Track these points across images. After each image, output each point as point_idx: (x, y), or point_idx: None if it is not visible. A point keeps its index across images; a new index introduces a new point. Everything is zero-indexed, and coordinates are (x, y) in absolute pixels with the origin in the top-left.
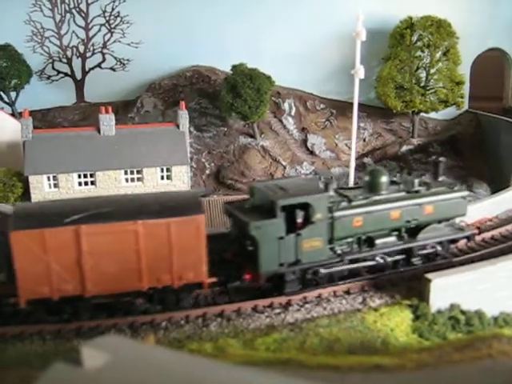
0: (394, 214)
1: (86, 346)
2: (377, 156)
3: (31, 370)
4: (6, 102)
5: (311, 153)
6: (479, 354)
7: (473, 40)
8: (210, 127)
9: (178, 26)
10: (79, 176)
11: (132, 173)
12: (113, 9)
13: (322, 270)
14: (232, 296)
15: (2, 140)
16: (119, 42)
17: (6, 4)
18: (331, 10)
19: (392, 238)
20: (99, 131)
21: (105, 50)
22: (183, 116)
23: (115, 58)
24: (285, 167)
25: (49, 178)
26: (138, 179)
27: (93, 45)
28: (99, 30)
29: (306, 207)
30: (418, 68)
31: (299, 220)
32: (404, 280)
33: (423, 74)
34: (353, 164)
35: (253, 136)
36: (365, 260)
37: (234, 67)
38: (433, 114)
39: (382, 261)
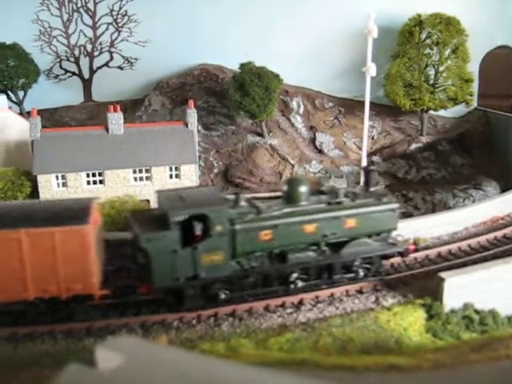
0: (308, 227)
1: (100, 347)
2: (385, 154)
3: (43, 370)
4: (13, 101)
5: (320, 151)
6: (497, 354)
7: (482, 37)
8: (218, 126)
9: (185, 25)
10: (88, 175)
11: (141, 172)
12: (120, 8)
13: (222, 295)
14: (123, 310)
15: (10, 139)
16: (127, 40)
17: (14, 3)
18: (339, 8)
19: (309, 253)
20: (107, 130)
21: (112, 49)
22: (192, 115)
23: (123, 57)
24: (293, 166)
25: (57, 177)
26: (147, 178)
27: (100, 44)
28: (107, 29)
29: (204, 219)
30: (426, 66)
31: (197, 232)
32: (416, 279)
33: (432, 72)
34: (364, 162)
35: (261, 135)
36: (279, 276)
37: (242, 66)
38: (441, 112)
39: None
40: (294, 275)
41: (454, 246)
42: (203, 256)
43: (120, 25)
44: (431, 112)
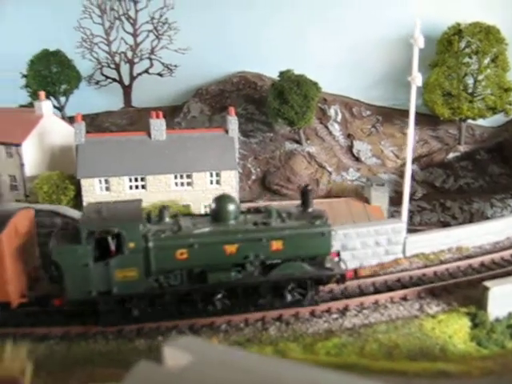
0: (229, 248)
1: (168, 346)
2: (423, 163)
3: (96, 368)
4: (55, 107)
5: (357, 159)
6: None
7: None
8: (257, 133)
9: (224, 32)
10: (130, 180)
11: (182, 177)
12: (161, 16)
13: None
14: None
15: (54, 144)
16: (167, 48)
17: (58, 11)
18: (378, 16)
19: (232, 274)
20: (150, 136)
21: (152, 56)
22: (232, 121)
23: (162, 64)
24: (330, 173)
25: (100, 182)
26: (188, 184)
27: (141, 51)
28: (147, 37)
29: (118, 235)
30: (465, 74)
31: (112, 248)
32: (460, 288)
33: (471, 81)
34: (409, 171)
35: (299, 142)
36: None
37: (282, 73)
38: (480, 121)
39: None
40: (218, 296)
41: (496, 256)
42: (117, 272)
43: (160, 32)
44: (469, 121)
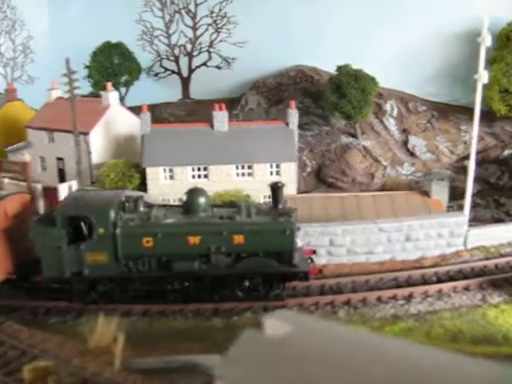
0: (192, 239)
1: (268, 317)
2: (478, 159)
3: (176, 343)
4: None
5: (411, 154)
6: None
7: None
8: (313, 126)
9: (282, 26)
10: (193, 169)
11: (243, 168)
12: (220, 9)
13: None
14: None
15: (119, 133)
16: (225, 41)
17: (119, 4)
18: (435, 11)
19: (196, 264)
20: (212, 127)
21: (211, 49)
22: (293, 114)
23: (221, 57)
24: (385, 167)
25: (165, 170)
26: (249, 174)
27: (200, 44)
28: (206, 30)
29: (90, 221)
30: None
31: (85, 232)
32: None
33: None
34: (472, 165)
35: (354, 136)
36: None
37: (339, 68)
38: None
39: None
40: (186, 284)
41: None
42: (88, 255)
43: (219, 26)
44: None
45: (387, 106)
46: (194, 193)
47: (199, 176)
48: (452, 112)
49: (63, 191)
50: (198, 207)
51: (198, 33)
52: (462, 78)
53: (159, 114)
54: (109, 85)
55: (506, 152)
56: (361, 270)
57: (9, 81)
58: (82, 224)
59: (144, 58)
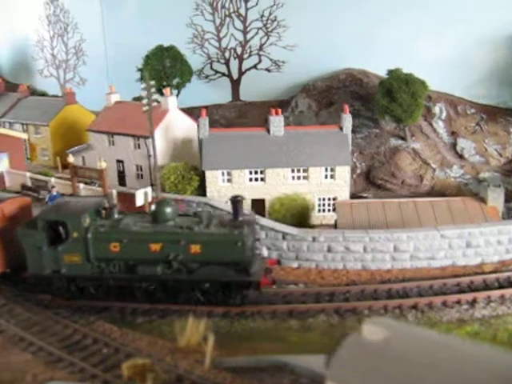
0: (154, 246)
1: (367, 323)
2: None
3: (257, 343)
4: None
5: (460, 156)
6: None
7: None
8: (362, 128)
9: (331, 30)
10: (250, 172)
11: (298, 171)
12: (270, 13)
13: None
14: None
15: (178, 136)
16: (275, 44)
17: (170, 8)
18: (483, 14)
19: (158, 269)
20: (269, 131)
21: (261, 52)
22: (347, 119)
23: (271, 60)
24: (434, 170)
25: (223, 174)
26: (304, 177)
27: (250, 47)
28: (256, 33)
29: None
30: None
31: (63, 236)
32: None
33: None
34: None
35: (404, 138)
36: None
37: (390, 72)
38: None
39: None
40: (151, 286)
41: None
42: (65, 255)
43: (269, 30)
44: None
45: (436, 109)
46: (160, 204)
47: (256, 179)
48: (501, 114)
49: (139, 197)
50: (163, 216)
51: (249, 36)
52: (511, 80)
53: (210, 115)
54: (167, 90)
55: None
56: (423, 275)
57: (61, 82)
58: (61, 228)
59: (194, 60)
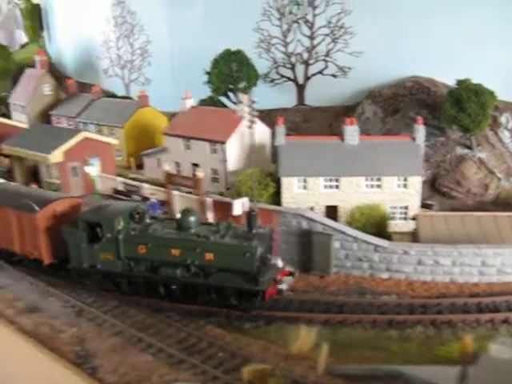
0: (174, 251)
1: (494, 343)
2: None
3: (362, 352)
4: (233, 102)
5: None
6: None
7: None
8: (429, 137)
9: (398, 37)
10: (325, 180)
11: (372, 180)
12: (338, 20)
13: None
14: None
15: (254, 143)
16: (342, 51)
17: (237, 13)
18: None
19: (177, 272)
20: (343, 140)
21: (327, 58)
22: (420, 130)
23: (337, 66)
24: (499, 179)
25: (299, 180)
26: (377, 186)
27: (316, 53)
28: (323, 40)
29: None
30: None
31: (100, 235)
32: None
33: None
34: None
35: (470, 147)
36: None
37: (460, 82)
38: None
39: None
40: (173, 287)
41: None
42: (100, 253)
43: (336, 36)
44: None
45: (502, 119)
46: (184, 213)
47: (330, 186)
48: None
49: (237, 206)
50: (186, 225)
51: (315, 42)
52: None
53: (275, 119)
54: (245, 97)
55: None
56: (511, 289)
57: (126, 82)
58: (98, 228)
59: (260, 64)
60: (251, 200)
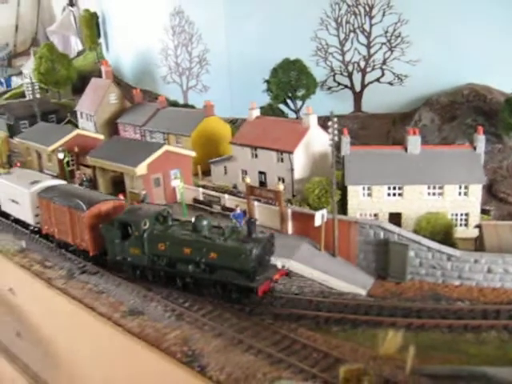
0: (186, 249)
1: None
2: None
3: (446, 354)
4: (291, 109)
5: None
6: None
7: None
8: (486, 143)
9: (455, 45)
10: (389, 188)
11: (434, 188)
12: (395, 29)
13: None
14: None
15: (316, 151)
16: (398, 59)
17: (295, 23)
18: None
19: (189, 267)
20: (406, 149)
21: (384, 67)
22: (480, 140)
23: (393, 74)
24: None
25: (364, 188)
26: (439, 194)
27: (373, 61)
28: (380, 48)
29: (131, 226)
30: None
31: (130, 233)
32: None
33: None
34: None
35: None
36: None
37: None
38: None
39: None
40: (187, 280)
41: None
42: (130, 248)
43: (393, 45)
44: None
45: None
46: (197, 218)
47: (394, 194)
48: None
49: (318, 218)
50: (199, 228)
51: (372, 51)
52: None
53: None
54: (310, 109)
55: None
56: None
57: (184, 89)
58: (129, 227)
59: (316, 72)
60: (331, 211)
